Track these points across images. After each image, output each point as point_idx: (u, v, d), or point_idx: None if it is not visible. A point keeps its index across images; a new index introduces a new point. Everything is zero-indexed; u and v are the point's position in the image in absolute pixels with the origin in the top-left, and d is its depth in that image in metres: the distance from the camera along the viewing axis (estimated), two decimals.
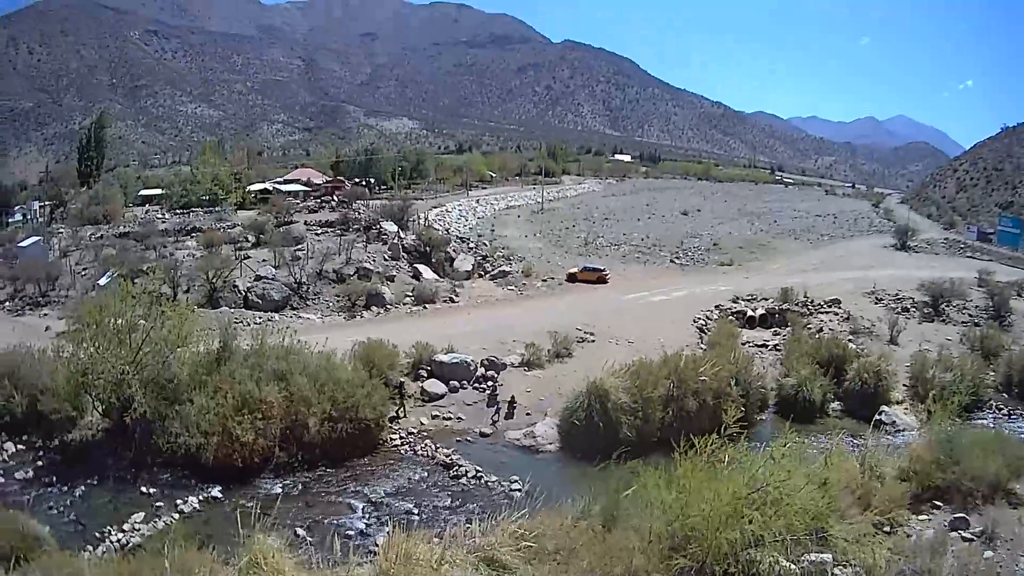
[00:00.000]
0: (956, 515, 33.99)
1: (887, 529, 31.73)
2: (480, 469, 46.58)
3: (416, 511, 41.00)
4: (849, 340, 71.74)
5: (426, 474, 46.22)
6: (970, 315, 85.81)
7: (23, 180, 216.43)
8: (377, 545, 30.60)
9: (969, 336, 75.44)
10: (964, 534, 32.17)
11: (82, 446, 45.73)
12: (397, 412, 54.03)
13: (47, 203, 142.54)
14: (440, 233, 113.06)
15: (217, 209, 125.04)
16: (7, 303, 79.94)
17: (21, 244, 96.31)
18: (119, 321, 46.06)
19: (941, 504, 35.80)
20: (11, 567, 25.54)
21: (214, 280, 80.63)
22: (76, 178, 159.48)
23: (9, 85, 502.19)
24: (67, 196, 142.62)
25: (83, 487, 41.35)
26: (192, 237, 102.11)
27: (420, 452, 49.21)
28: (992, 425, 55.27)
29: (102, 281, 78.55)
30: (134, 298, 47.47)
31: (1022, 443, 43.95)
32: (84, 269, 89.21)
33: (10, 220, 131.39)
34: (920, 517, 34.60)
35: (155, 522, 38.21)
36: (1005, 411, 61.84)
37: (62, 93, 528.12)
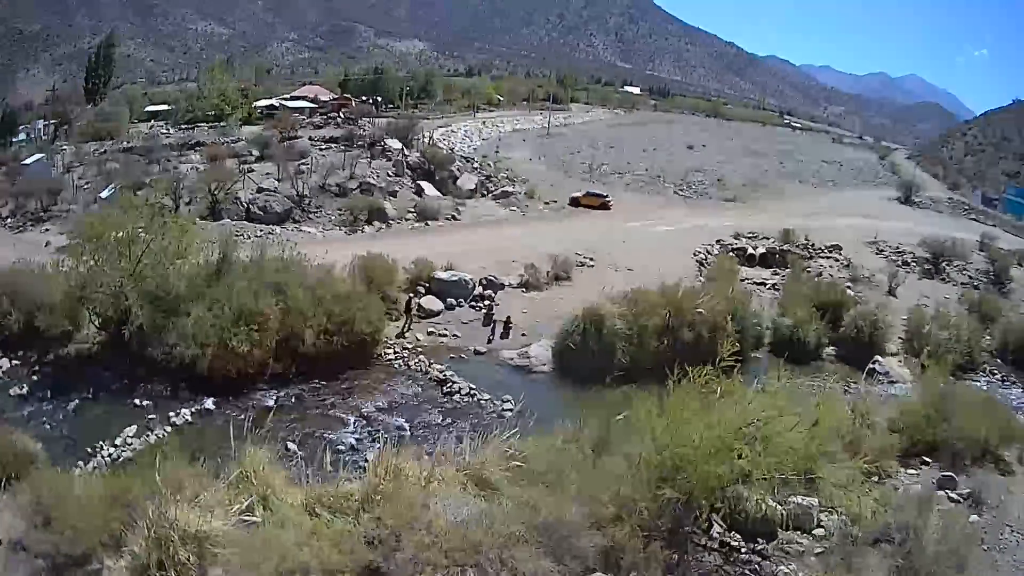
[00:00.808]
0: (944, 473, 34.31)
1: (875, 479, 31.87)
2: (473, 387, 46.98)
3: (408, 427, 41.33)
4: (848, 287, 71.83)
5: (419, 390, 46.62)
6: (970, 277, 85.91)
7: (29, 101, 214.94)
8: (367, 461, 30.84)
9: (968, 297, 75.61)
10: (951, 494, 32.46)
11: (77, 360, 45.85)
12: (403, 328, 54.53)
13: (52, 122, 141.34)
14: (445, 152, 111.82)
15: (222, 124, 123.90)
16: (8, 220, 79.39)
17: (24, 162, 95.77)
18: (119, 234, 45.94)
19: (930, 461, 36.27)
20: (2, 485, 25.59)
21: (216, 193, 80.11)
22: (83, 96, 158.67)
23: (19, 8, 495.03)
24: (72, 114, 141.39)
25: (77, 401, 41.45)
26: (196, 151, 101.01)
27: (414, 368, 49.59)
28: (985, 388, 55.28)
29: (104, 194, 78.58)
30: (136, 209, 47.35)
31: (1013, 411, 44.31)
32: (87, 184, 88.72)
33: (14, 140, 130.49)
34: (908, 471, 35.01)
35: (147, 436, 38.45)
36: (999, 376, 61.98)
37: (72, 14, 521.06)
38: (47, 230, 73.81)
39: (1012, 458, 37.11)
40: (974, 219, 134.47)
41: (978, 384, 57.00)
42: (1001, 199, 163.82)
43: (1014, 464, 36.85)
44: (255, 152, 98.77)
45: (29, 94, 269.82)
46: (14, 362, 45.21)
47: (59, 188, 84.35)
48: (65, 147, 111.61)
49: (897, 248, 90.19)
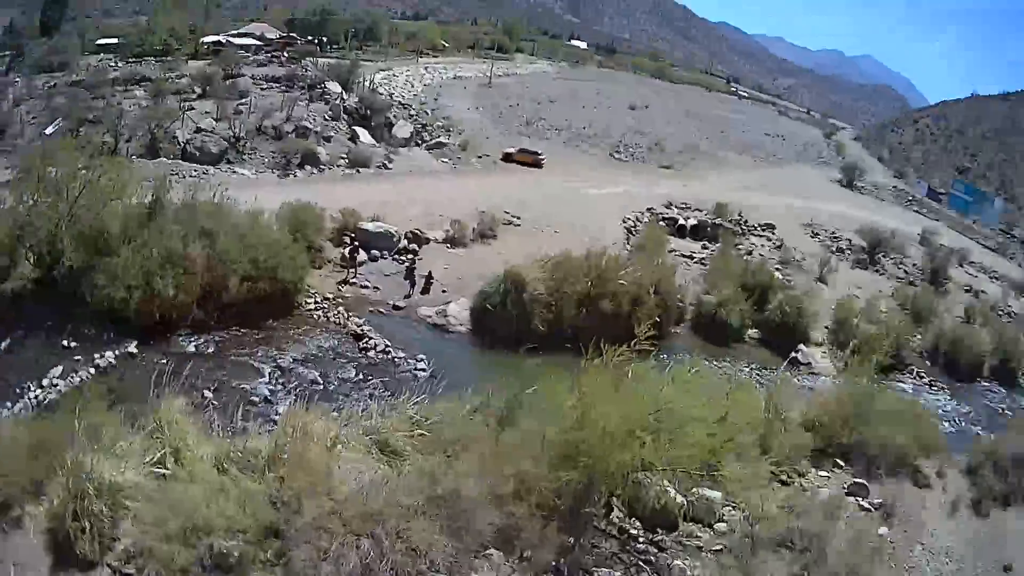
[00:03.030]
0: (856, 480, 34.15)
1: (783, 479, 32.02)
2: (389, 343, 46.83)
3: (321, 381, 41.27)
4: (777, 268, 71.72)
5: (336, 343, 46.37)
6: (906, 271, 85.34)
7: None
8: (279, 415, 30.95)
9: (901, 293, 75.01)
10: (862, 502, 32.46)
11: (13, 298, 44.62)
12: (347, 277, 54.91)
13: (6, 54, 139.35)
14: (383, 97, 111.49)
15: (169, 59, 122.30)
16: None
17: None
18: (58, 173, 45.17)
19: (843, 464, 35.97)
20: None
21: (156, 131, 79.41)
22: (37, 30, 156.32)
23: None
24: (27, 48, 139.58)
25: (9, 340, 40.67)
26: (141, 87, 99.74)
27: (333, 320, 49.28)
28: (911, 392, 55.58)
29: (48, 130, 78.02)
30: (77, 150, 46.91)
31: (937, 420, 44.44)
32: (34, 118, 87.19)
33: None
34: (820, 472, 34.84)
35: (72, 377, 37.93)
36: (927, 380, 61.36)
37: None
38: None
39: (931, 471, 37.03)
40: (917, 211, 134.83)
41: (903, 386, 57.11)
42: (948, 194, 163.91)
43: (932, 478, 36.72)
44: (197, 89, 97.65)
45: None
46: None
47: (7, 123, 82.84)
48: (17, 80, 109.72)
49: (833, 233, 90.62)
